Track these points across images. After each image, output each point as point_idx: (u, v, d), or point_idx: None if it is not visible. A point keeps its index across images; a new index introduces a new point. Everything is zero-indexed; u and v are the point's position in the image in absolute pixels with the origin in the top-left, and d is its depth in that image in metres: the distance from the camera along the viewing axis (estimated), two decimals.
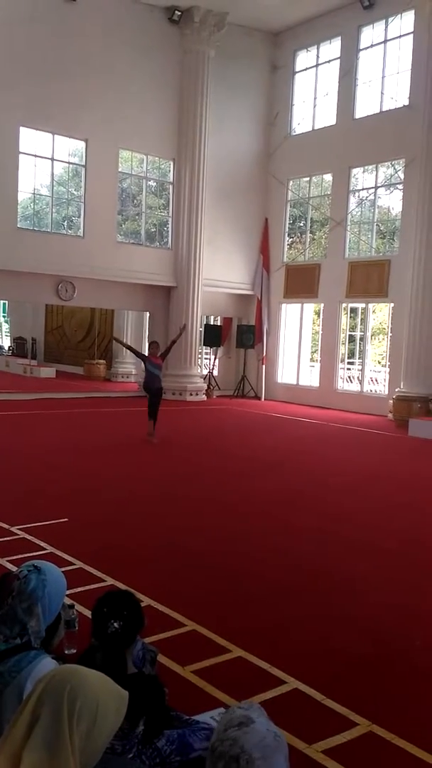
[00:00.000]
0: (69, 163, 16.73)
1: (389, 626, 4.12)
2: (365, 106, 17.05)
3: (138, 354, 11.34)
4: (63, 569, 2.88)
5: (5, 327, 32.13)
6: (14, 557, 4.79)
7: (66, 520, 6.01)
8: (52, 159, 15.91)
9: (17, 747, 1.52)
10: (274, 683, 3.31)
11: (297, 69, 18.84)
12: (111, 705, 1.62)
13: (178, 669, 3.38)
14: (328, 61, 17.94)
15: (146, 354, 10.81)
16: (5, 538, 5.40)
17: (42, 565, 2.64)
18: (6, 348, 30.41)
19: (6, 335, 31.78)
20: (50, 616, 2.58)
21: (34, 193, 16.22)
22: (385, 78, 16.61)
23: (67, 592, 3.31)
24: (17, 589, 2.51)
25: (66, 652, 3.30)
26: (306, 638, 3.90)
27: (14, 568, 4.14)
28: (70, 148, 16.56)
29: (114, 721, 1.63)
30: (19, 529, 5.63)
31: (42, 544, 5.26)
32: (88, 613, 3.10)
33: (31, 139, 15.43)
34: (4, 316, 32.11)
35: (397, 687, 3.39)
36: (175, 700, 2.97)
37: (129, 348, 11.67)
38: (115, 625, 2.53)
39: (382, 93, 16.62)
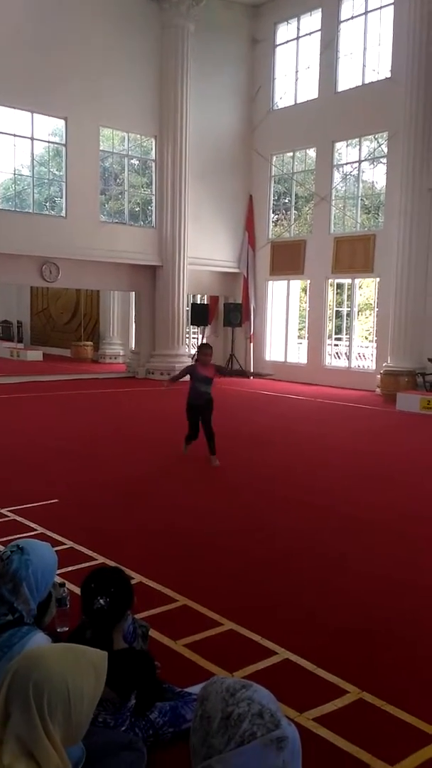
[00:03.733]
0: (49, 142, 16.50)
1: (377, 597, 4.17)
2: (347, 78, 16.90)
3: (184, 372, 8.25)
4: (53, 549, 2.88)
5: None
6: (4, 539, 4.79)
7: (56, 501, 6.02)
8: (32, 138, 15.68)
9: None
10: (266, 654, 3.35)
11: (278, 42, 18.63)
12: (84, 678, 1.61)
13: (170, 643, 3.41)
14: (309, 34, 17.74)
15: (193, 363, 8.27)
16: None
17: (27, 544, 2.64)
18: None
19: None
20: (41, 593, 2.59)
21: (14, 174, 16.00)
22: (366, 50, 16.44)
23: (59, 571, 3.32)
24: (0, 571, 2.52)
25: (58, 629, 3.31)
26: (296, 610, 3.94)
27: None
28: (51, 128, 16.33)
29: (93, 690, 1.64)
30: (9, 510, 5.63)
31: (32, 525, 5.27)
32: (79, 591, 3.11)
33: (9, 117, 15.18)
34: None
35: (386, 655, 3.44)
36: (168, 674, 3.01)
37: (177, 378, 8.29)
38: (101, 601, 2.54)
39: (363, 65, 16.47)
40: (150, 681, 2.60)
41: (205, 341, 8.77)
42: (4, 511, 5.64)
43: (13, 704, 1.55)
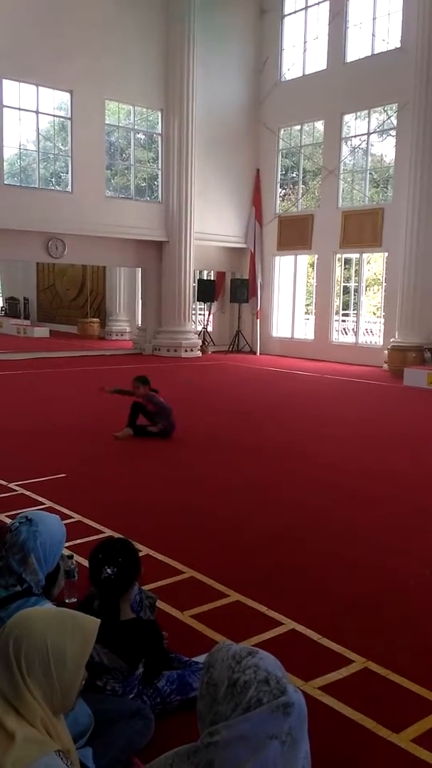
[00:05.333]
0: (54, 116, 16.32)
1: (382, 568, 4.19)
2: (356, 49, 16.61)
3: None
4: (62, 521, 2.90)
5: None
6: (13, 512, 4.83)
7: (64, 475, 6.06)
8: (37, 112, 15.52)
9: None
10: (272, 624, 3.38)
11: (285, 12, 18.30)
12: (67, 639, 1.66)
13: (177, 614, 3.45)
14: (318, 3, 17.41)
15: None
16: (3, 495, 5.45)
17: (35, 516, 2.67)
18: None
19: None
20: (49, 564, 2.62)
21: (20, 149, 15.87)
22: (376, 20, 16.14)
23: (67, 543, 3.35)
24: (9, 542, 2.55)
25: (66, 601, 3.36)
26: (302, 582, 3.97)
27: None
28: (56, 101, 16.15)
29: (79, 652, 1.68)
30: (17, 485, 5.68)
31: (40, 499, 5.31)
32: (87, 563, 3.14)
33: (14, 92, 15.02)
34: None
35: (390, 625, 3.47)
36: (175, 644, 3.04)
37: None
38: (108, 570, 2.57)
39: (373, 35, 16.17)
40: (157, 650, 2.64)
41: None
42: (12, 485, 5.68)
43: None
